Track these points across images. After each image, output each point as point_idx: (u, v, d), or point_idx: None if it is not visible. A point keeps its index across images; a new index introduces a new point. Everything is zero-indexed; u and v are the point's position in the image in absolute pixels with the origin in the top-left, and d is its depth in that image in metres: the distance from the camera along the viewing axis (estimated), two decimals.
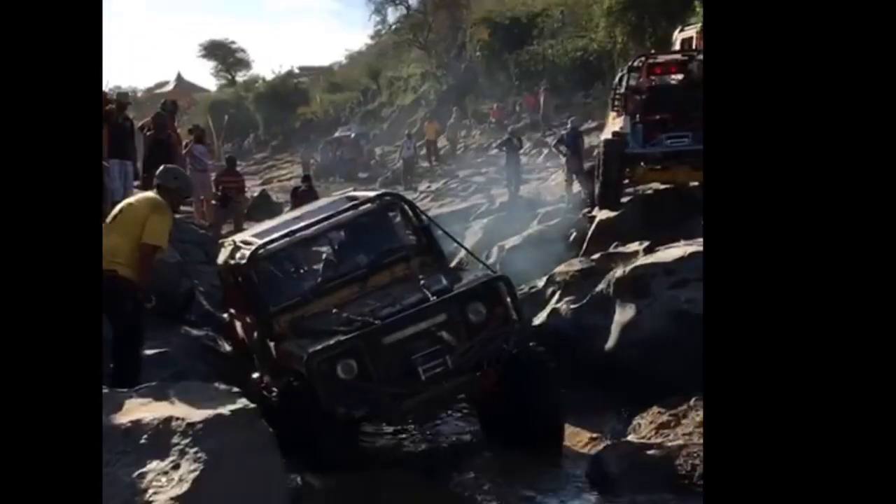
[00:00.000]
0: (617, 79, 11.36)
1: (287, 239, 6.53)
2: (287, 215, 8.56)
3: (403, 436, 6.62)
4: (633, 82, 10.44)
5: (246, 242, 6.70)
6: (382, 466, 6.08)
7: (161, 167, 6.09)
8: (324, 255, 7.06)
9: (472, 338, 5.83)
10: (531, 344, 6.21)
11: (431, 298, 5.85)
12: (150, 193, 5.81)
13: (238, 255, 6.58)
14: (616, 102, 10.73)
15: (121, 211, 5.57)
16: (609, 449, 5.70)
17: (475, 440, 6.48)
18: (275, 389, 6.01)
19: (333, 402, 5.52)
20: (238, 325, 7.18)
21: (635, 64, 10.77)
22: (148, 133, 10.01)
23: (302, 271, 6.88)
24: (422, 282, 6.10)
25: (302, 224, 6.70)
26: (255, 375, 6.59)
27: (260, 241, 6.46)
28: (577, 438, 6.34)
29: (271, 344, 6.20)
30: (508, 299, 6.04)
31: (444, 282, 6.11)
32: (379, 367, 5.65)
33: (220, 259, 7.21)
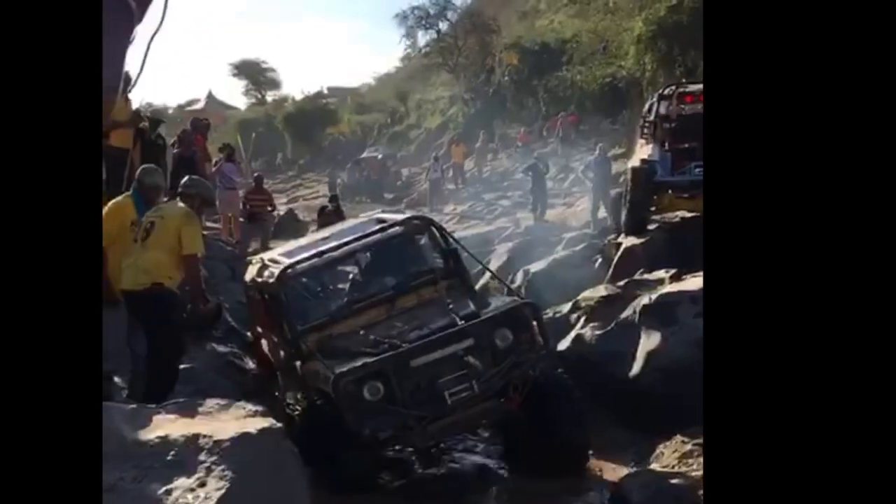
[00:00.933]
0: (647, 106, 11.36)
1: (315, 259, 6.58)
2: (315, 234, 8.62)
3: (428, 460, 6.59)
4: (662, 110, 10.43)
5: (274, 261, 6.75)
6: (405, 490, 6.07)
7: (183, 179, 6.27)
8: (351, 276, 7.10)
9: (498, 363, 5.82)
10: (558, 370, 6.19)
11: (459, 323, 5.87)
12: (176, 203, 5.98)
13: (266, 273, 6.63)
14: (645, 130, 10.73)
15: (152, 225, 5.67)
16: (631, 477, 5.66)
17: (498, 466, 6.46)
18: (299, 408, 6.03)
19: (359, 423, 5.54)
20: (264, 342, 7.23)
21: (665, 92, 10.76)
22: (175, 150, 10.16)
23: (329, 291, 6.92)
24: (450, 306, 6.11)
25: (331, 245, 6.75)
26: (279, 393, 6.62)
27: (289, 261, 6.51)
28: (600, 466, 6.29)
29: (297, 363, 6.23)
30: (535, 325, 6.03)
31: (472, 306, 6.12)
32: (405, 390, 5.65)
33: (248, 276, 7.26)
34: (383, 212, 8.42)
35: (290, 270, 6.39)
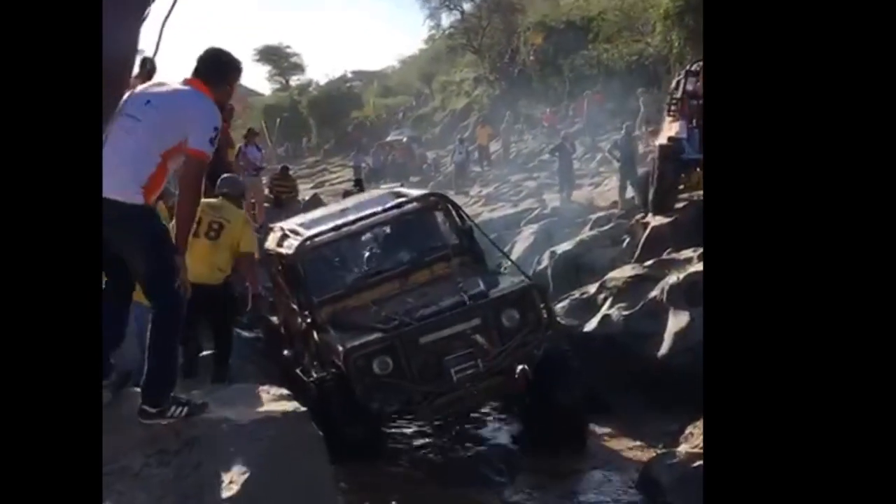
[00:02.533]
0: (674, 83, 11.22)
1: (334, 233, 6.68)
2: (334, 206, 8.72)
3: (442, 436, 6.70)
4: (690, 87, 10.28)
5: (294, 231, 6.87)
6: (429, 474, 6.12)
7: (221, 178, 6.56)
8: (367, 249, 7.21)
9: (504, 342, 5.97)
10: (557, 346, 6.25)
11: (468, 302, 5.99)
12: (232, 207, 6.40)
13: (286, 243, 6.74)
14: (673, 107, 10.59)
15: (221, 227, 6.15)
16: (659, 458, 5.61)
17: (519, 447, 6.49)
18: (313, 375, 6.20)
19: (368, 396, 5.74)
20: (281, 306, 7.39)
21: (693, 68, 10.60)
22: None
23: (346, 263, 7.03)
24: (459, 284, 6.21)
25: (349, 218, 6.84)
26: (287, 353, 6.95)
27: (308, 233, 6.63)
28: (628, 445, 6.27)
29: (313, 332, 6.35)
30: (542, 306, 6.17)
31: (481, 286, 6.26)
32: (413, 365, 5.84)
33: (268, 244, 7.37)
34: (402, 186, 8.48)
35: (308, 243, 6.54)
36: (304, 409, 3.57)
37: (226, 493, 3.11)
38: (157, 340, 3.32)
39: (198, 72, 3.53)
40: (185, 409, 3.39)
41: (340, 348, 5.80)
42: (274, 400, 3.67)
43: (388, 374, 5.80)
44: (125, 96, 3.47)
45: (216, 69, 3.56)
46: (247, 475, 3.14)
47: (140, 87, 3.54)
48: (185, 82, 3.52)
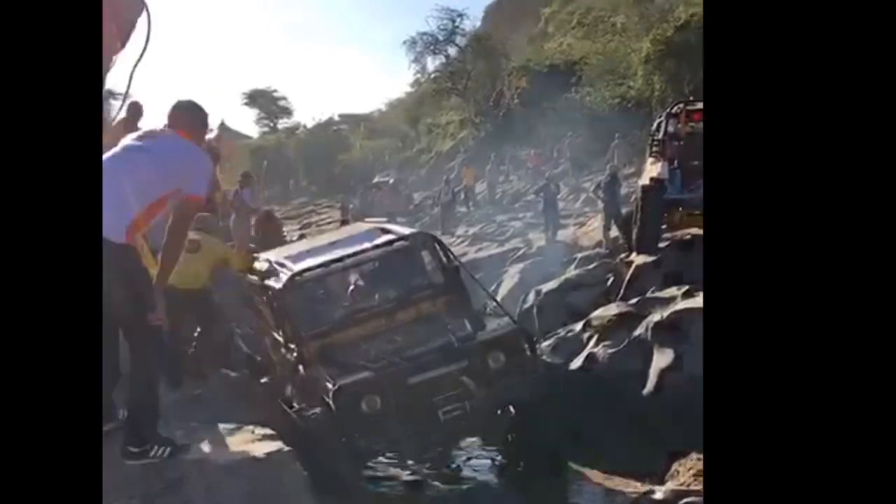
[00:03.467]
0: (655, 125, 11.37)
1: (322, 269, 6.71)
2: (321, 239, 8.77)
3: (427, 474, 6.72)
4: (671, 128, 10.43)
5: (281, 264, 6.87)
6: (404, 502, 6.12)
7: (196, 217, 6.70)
8: (354, 285, 7.24)
9: (490, 384, 6.01)
10: (542, 389, 6.31)
11: (456, 344, 6.03)
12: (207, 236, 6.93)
13: (272, 276, 6.76)
14: (654, 148, 10.72)
15: (200, 244, 6.70)
16: (646, 495, 5.61)
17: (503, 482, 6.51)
18: (296, 408, 6.21)
19: (356, 433, 5.76)
20: (266, 339, 7.39)
21: (674, 110, 10.77)
22: None
23: (332, 298, 7.06)
24: (448, 325, 6.23)
25: (338, 254, 6.86)
26: (267, 381, 6.91)
27: (297, 268, 6.64)
28: (613, 483, 6.26)
29: (299, 367, 6.36)
30: (528, 349, 6.25)
31: (468, 327, 6.33)
32: (401, 405, 5.84)
33: (254, 273, 7.34)
34: (388, 222, 8.54)
35: (297, 278, 6.53)
36: (287, 449, 3.56)
37: None
38: (136, 379, 3.33)
39: (177, 121, 3.61)
40: (168, 450, 3.39)
41: (330, 385, 5.80)
42: (258, 440, 3.67)
43: (377, 413, 5.81)
44: (123, 140, 3.55)
45: (196, 120, 3.66)
46: None
47: (135, 133, 3.61)
48: (173, 132, 3.59)
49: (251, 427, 3.84)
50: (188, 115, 3.64)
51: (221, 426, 3.82)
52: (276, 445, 3.57)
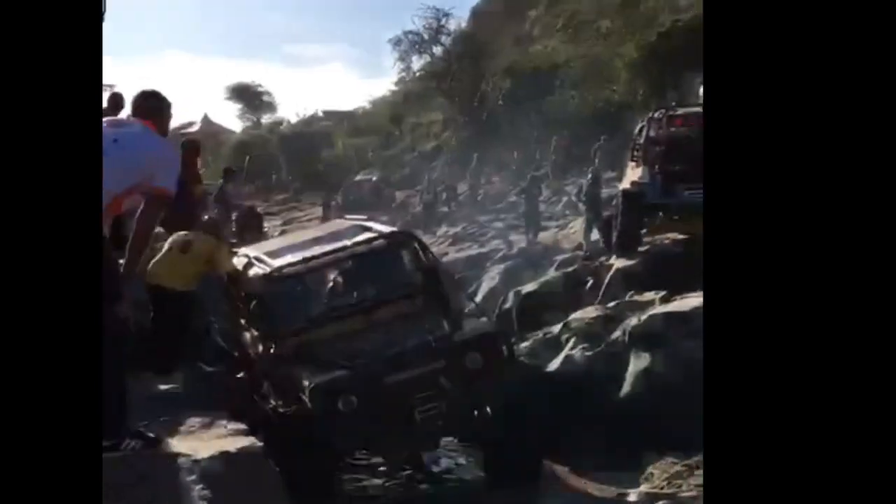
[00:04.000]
0: (637, 129, 11.41)
1: (301, 266, 6.68)
2: (301, 235, 8.73)
3: (403, 473, 6.71)
4: (652, 133, 10.48)
5: (260, 260, 6.83)
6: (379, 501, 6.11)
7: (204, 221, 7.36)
8: (332, 282, 7.21)
9: (467, 385, 6.01)
10: (518, 390, 6.33)
11: (433, 344, 6.02)
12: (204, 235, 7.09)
13: (251, 272, 6.71)
14: (635, 153, 10.76)
15: (190, 243, 6.92)
16: (621, 497, 5.63)
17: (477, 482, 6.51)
18: (272, 405, 6.16)
19: (331, 432, 5.72)
20: (244, 335, 7.30)
21: (655, 115, 10.82)
22: None
23: (310, 296, 7.03)
24: (425, 325, 6.22)
25: (316, 251, 6.83)
26: (243, 376, 6.87)
27: (275, 264, 6.60)
28: (587, 485, 6.27)
29: (276, 364, 6.33)
30: (504, 350, 6.26)
31: (446, 327, 6.31)
32: (377, 404, 5.81)
33: (233, 270, 7.26)
34: (369, 219, 8.51)
35: (275, 274, 6.49)
36: (259, 444, 3.53)
37: None
38: (104, 372, 3.28)
39: (143, 111, 3.57)
40: (140, 443, 3.35)
41: (306, 383, 5.78)
42: (231, 435, 3.64)
43: (353, 412, 5.78)
44: None
45: (163, 112, 3.62)
46: None
47: (105, 122, 3.55)
48: (140, 122, 3.55)
49: (224, 422, 3.81)
50: (153, 105, 3.60)
51: (194, 420, 3.78)
52: (247, 441, 3.54)
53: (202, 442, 3.52)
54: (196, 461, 3.31)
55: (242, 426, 3.78)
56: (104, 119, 3.58)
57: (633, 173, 10.51)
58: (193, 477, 3.25)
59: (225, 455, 3.37)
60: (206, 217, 7.21)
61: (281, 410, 6.01)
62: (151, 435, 3.44)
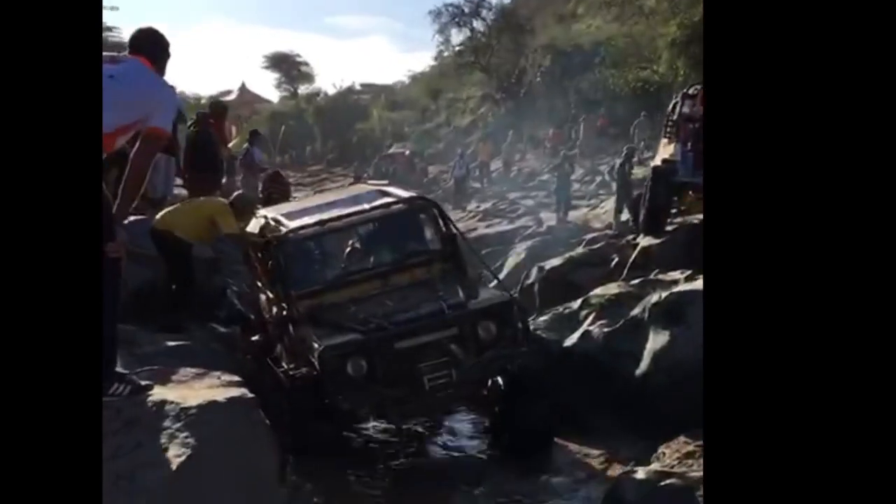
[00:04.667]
0: (671, 106, 11.17)
1: (318, 227, 6.62)
2: (318, 198, 8.69)
3: (412, 443, 6.65)
4: (686, 110, 10.24)
5: (277, 221, 6.79)
6: (397, 478, 6.04)
7: (236, 195, 7.44)
8: (349, 246, 7.15)
9: (479, 354, 5.92)
10: (531, 363, 6.22)
11: (446, 311, 5.91)
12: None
13: (268, 232, 6.68)
14: (668, 130, 10.54)
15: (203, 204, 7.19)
16: (629, 474, 5.49)
17: (486, 454, 6.44)
18: (284, 366, 6.15)
19: (339, 396, 5.64)
20: (258, 294, 7.37)
21: (690, 92, 10.57)
22: (191, 128, 10.18)
23: (326, 258, 6.99)
24: (439, 292, 6.13)
25: (334, 213, 6.77)
26: (258, 338, 6.90)
27: (292, 225, 6.56)
28: (599, 461, 6.17)
29: (289, 325, 6.29)
30: (519, 321, 6.14)
31: (461, 295, 6.21)
32: (387, 369, 5.75)
33: (250, 229, 7.25)
34: (389, 184, 8.43)
35: (292, 235, 6.45)
36: (251, 395, 3.47)
37: (160, 474, 3.01)
38: None
39: (141, 50, 3.48)
40: (129, 388, 3.30)
41: (316, 346, 5.73)
42: (223, 385, 3.58)
43: (362, 376, 5.73)
44: None
45: (161, 51, 3.53)
46: (182, 458, 3.05)
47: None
48: (137, 59, 3.46)
49: (217, 373, 3.74)
50: (151, 44, 3.51)
51: (187, 370, 3.73)
52: (238, 391, 3.47)
53: (193, 391, 3.46)
54: (184, 408, 3.25)
55: (235, 377, 3.72)
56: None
57: (665, 150, 10.30)
58: (181, 424, 3.19)
59: (214, 403, 3.31)
60: (232, 180, 7.13)
61: (292, 373, 5.98)
62: (141, 382, 3.39)
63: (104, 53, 3.50)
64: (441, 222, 6.85)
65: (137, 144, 3.35)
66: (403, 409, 5.88)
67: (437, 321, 5.90)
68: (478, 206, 21.05)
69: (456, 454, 6.59)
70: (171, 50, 3.63)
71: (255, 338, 7.31)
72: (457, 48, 36.56)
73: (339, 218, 6.76)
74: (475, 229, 17.02)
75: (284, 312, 6.40)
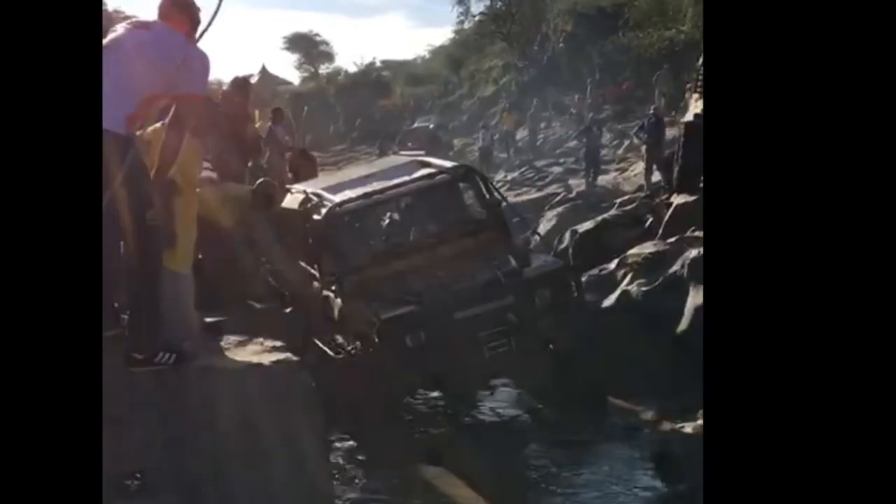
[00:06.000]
0: (701, 60, 10.93)
1: (363, 200, 6.52)
2: (355, 171, 8.60)
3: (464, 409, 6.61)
4: None
5: (319, 196, 6.68)
6: (442, 441, 6.03)
7: (260, 182, 6.43)
8: (391, 218, 7.06)
9: (535, 321, 5.81)
10: (586, 327, 6.17)
11: (502, 279, 5.82)
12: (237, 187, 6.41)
13: (310, 207, 6.58)
14: (699, 84, 10.30)
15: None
16: (676, 431, 5.45)
17: (533, 418, 6.39)
18: (334, 344, 6.08)
19: (400, 368, 5.60)
20: (295, 272, 7.22)
21: None
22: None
23: (372, 232, 6.90)
24: (493, 261, 6.05)
25: (378, 186, 6.68)
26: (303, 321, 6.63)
27: (336, 199, 6.46)
28: (644, 420, 6.12)
29: (338, 302, 6.15)
30: (573, 287, 6.09)
31: (513, 263, 6.10)
32: (445, 340, 5.66)
33: (287, 204, 7.07)
34: (427, 154, 8.33)
35: (337, 209, 6.35)
36: (294, 358, 3.44)
37: (209, 440, 3.00)
38: (136, 282, 3.20)
39: (170, 16, 3.42)
40: (174, 356, 3.28)
41: (374, 319, 5.65)
42: (266, 351, 3.55)
43: (421, 348, 5.67)
44: (118, 30, 3.37)
45: (190, 15, 3.47)
46: (232, 422, 3.03)
47: (126, 24, 3.43)
48: (166, 25, 3.41)
49: (260, 339, 3.72)
50: (181, 10, 3.44)
51: (231, 338, 3.71)
52: (283, 355, 3.45)
53: (237, 357, 3.44)
54: (230, 372, 3.24)
55: (279, 342, 3.69)
56: (128, 21, 3.46)
57: (696, 105, 10.07)
58: (228, 389, 3.17)
59: (258, 367, 3.29)
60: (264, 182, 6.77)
61: (349, 348, 5.90)
62: (186, 349, 3.37)
63: (135, 20, 3.46)
64: (485, 190, 6.76)
65: (172, 112, 3.30)
66: (462, 379, 5.83)
67: (495, 290, 5.83)
68: (505, 176, 20.89)
69: (505, 420, 6.56)
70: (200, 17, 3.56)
71: (288, 310, 7.20)
72: (477, 18, 36.24)
73: (384, 190, 6.65)
74: None
75: (332, 288, 6.29)
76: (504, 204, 6.81)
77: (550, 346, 6.03)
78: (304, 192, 7.04)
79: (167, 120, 3.34)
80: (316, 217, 6.45)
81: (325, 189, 6.92)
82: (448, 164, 7.30)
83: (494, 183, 19.18)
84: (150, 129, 3.82)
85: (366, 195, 6.56)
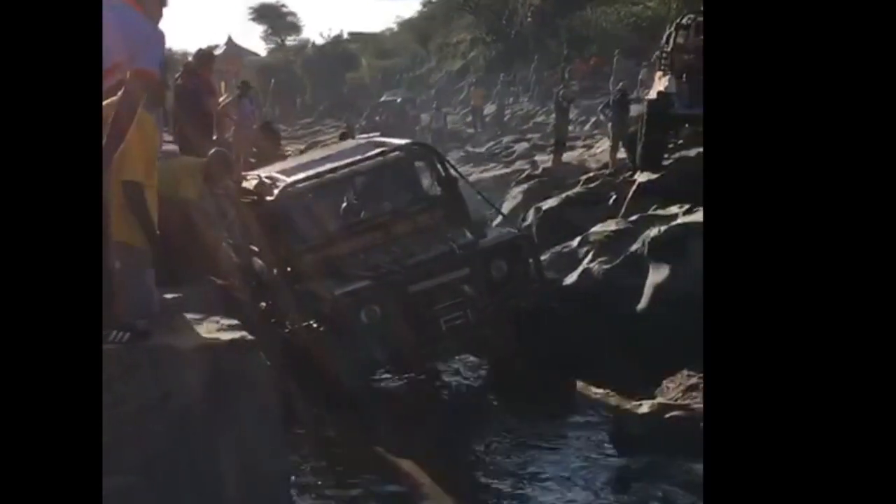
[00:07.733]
0: (665, 37, 10.97)
1: (316, 179, 6.50)
2: (312, 154, 8.57)
3: (424, 384, 6.64)
4: (680, 40, 10.04)
5: (272, 178, 6.67)
6: (393, 414, 6.04)
7: (213, 152, 6.23)
8: (346, 197, 7.05)
9: (492, 293, 5.82)
10: (549, 303, 6.18)
11: (457, 251, 5.81)
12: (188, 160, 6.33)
13: (264, 190, 6.56)
14: (663, 61, 10.36)
15: None
16: (633, 408, 5.52)
17: (491, 395, 6.43)
18: (289, 324, 6.04)
19: (356, 345, 5.59)
20: (255, 259, 7.18)
21: (683, 22, 10.36)
22: (178, 81, 9.96)
23: (327, 212, 6.88)
24: (447, 235, 6.06)
25: (331, 165, 6.65)
26: (265, 310, 6.56)
27: (289, 180, 6.43)
28: (604, 397, 6.19)
29: (293, 282, 6.16)
30: (530, 259, 6.05)
31: (469, 236, 6.09)
32: (402, 314, 5.67)
33: (243, 188, 7.06)
34: (381, 135, 8.32)
35: (290, 189, 6.33)
36: (250, 337, 3.43)
37: (164, 420, 2.99)
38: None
39: None
40: (127, 335, 3.26)
41: (328, 297, 5.63)
42: (222, 329, 3.53)
43: (377, 323, 5.66)
44: None
45: None
46: (187, 402, 3.02)
47: None
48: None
49: (216, 317, 3.70)
50: None
51: (187, 316, 3.68)
52: (239, 334, 3.43)
53: (193, 335, 3.42)
54: (185, 352, 3.22)
55: (234, 321, 3.67)
56: None
57: (659, 83, 10.12)
58: (183, 368, 3.16)
59: (215, 346, 3.28)
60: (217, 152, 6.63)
61: (303, 325, 5.89)
62: (141, 328, 3.34)
63: None
64: (440, 167, 6.74)
65: (124, 87, 3.25)
66: (421, 353, 5.82)
67: (449, 261, 5.84)
68: (471, 151, 20.88)
69: (466, 397, 6.60)
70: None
71: (262, 305, 7.07)
72: None
73: (336, 169, 6.63)
74: (470, 174, 16.87)
75: (287, 269, 6.27)
76: (460, 181, 6.79)
77: (509, 317, 6.02)
78: (259, 176, 7.01)
79: (118, 96, 3.29)
80: (269, 198, 6.41)
81: (281, 172, 6.90)
82: (402, 141, 7.30)
83: (460, 158, 19.37)
84: (105, 102, 3.76)
85: (318, 174, 6.55)
